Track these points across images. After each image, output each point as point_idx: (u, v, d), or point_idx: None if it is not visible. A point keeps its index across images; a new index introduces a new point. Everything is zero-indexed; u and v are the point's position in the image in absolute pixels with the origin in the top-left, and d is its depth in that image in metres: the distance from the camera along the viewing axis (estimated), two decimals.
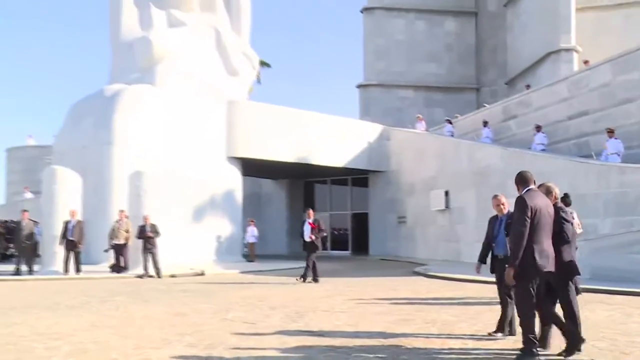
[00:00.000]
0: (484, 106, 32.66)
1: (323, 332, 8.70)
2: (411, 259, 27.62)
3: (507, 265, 6.74)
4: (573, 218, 8.13)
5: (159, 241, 19.58)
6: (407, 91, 45.79)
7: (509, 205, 8.36)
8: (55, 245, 19.72)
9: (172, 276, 19.25)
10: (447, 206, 26.81)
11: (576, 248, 7.51)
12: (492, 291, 9.60)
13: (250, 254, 27.66)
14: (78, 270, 19.28)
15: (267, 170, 32.56)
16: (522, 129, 26.92)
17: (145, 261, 19.27)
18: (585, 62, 28.14)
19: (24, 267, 19.86)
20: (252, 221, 28.70)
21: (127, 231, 19.97)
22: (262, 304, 12.20)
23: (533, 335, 6.58)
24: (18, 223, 20.72)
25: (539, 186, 7.09)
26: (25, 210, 20.83)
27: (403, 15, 46.41)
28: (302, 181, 37.03)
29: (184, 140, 25.12)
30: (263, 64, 40.53)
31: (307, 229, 17.65)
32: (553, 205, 6.98)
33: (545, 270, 6.60)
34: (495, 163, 24.60)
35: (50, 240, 19.99)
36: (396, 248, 30.97)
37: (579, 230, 11.04)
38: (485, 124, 27.98)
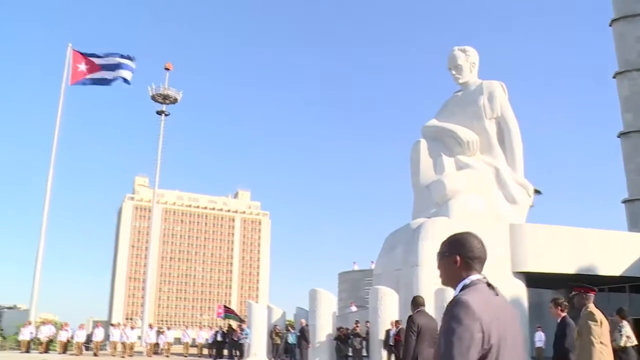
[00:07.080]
0: None
1: None
2: None
3: None
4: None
5: None
6: None
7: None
8: (380, 349, 19.86)
9: None
10: None
11: None
12: None
13: (538, 356, 25.02)
14: None
15: (547, 281, 30.00)
16: None
17: None
18: None
19: None
20: (539, 327, 26.19)
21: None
22: None
23: None
24: (352, 330, 21.28)
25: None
26: (357, 320, 21.50)
27: None
28: None
29: None
30: (536, 191, 38.61)
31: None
32: None
33: None
34: None
35: (375, 344, 20.19)
36: None
37: (629, 343, 10.79)
38: None
